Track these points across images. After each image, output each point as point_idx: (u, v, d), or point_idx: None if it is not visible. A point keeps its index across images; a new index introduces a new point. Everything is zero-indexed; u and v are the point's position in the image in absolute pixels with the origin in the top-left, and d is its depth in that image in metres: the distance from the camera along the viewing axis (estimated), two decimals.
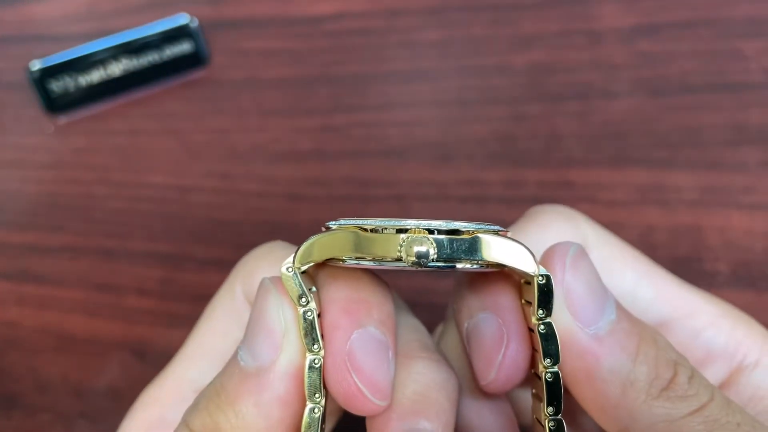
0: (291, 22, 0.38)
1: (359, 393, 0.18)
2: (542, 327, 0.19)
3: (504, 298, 0.20)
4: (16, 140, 0.41)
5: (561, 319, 0.19)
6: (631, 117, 0.34)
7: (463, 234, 0.18)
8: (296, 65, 0.38)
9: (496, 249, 0.18)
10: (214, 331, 0.24)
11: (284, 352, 0.19)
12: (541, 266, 0.19)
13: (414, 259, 0.18)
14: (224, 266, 0.37)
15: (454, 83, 0.36)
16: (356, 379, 0.18)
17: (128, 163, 0.39)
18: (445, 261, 0.18)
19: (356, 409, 0.19)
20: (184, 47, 0.38)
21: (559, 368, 0.19)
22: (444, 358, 0.21)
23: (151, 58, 0.39)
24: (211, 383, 0.20)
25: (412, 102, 0.37)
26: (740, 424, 0.18)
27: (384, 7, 0.37)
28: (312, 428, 0.19)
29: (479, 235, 0.18)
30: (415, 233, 0.18)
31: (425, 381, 0.19)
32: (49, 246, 0.40)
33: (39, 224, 0.40)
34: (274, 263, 0.23)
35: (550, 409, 0.19)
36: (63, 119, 0.40)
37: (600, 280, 0.19)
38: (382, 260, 0.18)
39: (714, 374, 0.23)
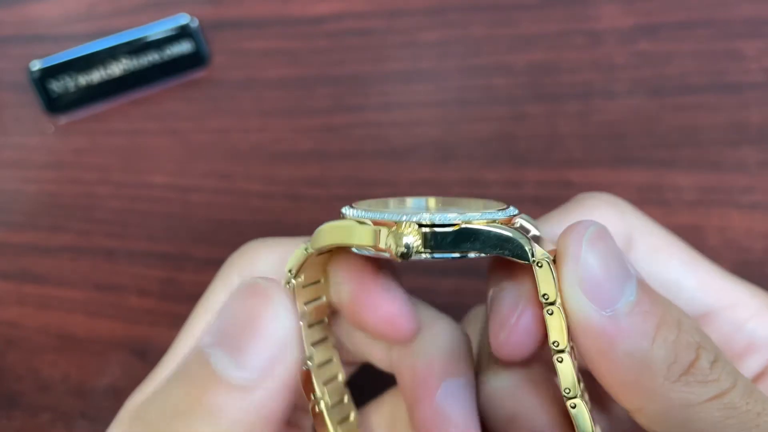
0: (291, 22, 0.38)
1: (391, 313, 0.20)
2: (549, 310, 0.18)
3: (522, 272, 0.20)
4: (16, 140, 0.40)
5: (576, 299, 0.18)
6: (631, 117, 0.34)
7: (453, 226, 0.18)
8: (296, 65, 0.38)
9: (486, 241, 0.18)
10: None
11: (280, 366, 0.18)
12: (538, 251, 0.18)
13: (403, 250, 0.18)
14: None
15: (454, 83, 0.36)
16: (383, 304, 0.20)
17: (129, 163, 0.39)
18: (435, 251, 0.18)
19: (387, 334, 0.20)
20: (184, 47, 0.38)
21: (571, 349, 0.18)
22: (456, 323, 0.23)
23: (151, 58, 0.39)
24: (167, 392, 0.18)
25: (412, 102, 0.37)
26: (761, 413, 0.17)
27: (384, 7, 0.37)
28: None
29: (465, 225, 0.18)
30: (401, 228, 0.18)
31: (447, 338, 0.21)
32: (50, 246, 0.40)
33: (39, 224, 0.40)
34: (274, 249, 0.23)
35: (566, 390, 0.18)
36: (63, 119, 0.40)
37: (621, 260, 0.18)
38: (362, 250, 0.19)
39: (754, 364, 0.23)
